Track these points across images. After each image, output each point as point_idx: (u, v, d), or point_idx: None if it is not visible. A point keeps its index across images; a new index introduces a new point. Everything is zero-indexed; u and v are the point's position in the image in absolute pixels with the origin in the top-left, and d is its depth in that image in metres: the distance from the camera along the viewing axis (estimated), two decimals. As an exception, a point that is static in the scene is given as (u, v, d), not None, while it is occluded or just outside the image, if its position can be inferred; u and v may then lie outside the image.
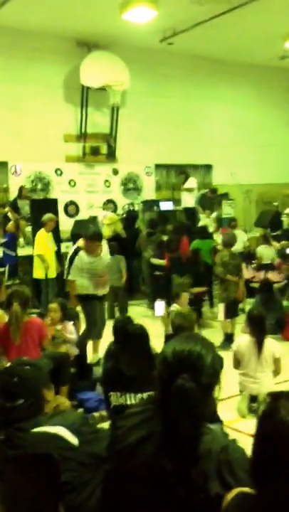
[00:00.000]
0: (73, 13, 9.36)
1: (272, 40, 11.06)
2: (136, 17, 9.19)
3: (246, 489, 1.28)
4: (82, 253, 5.52)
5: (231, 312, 6.53)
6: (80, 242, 5.62)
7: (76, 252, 5.57)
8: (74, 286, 5.62)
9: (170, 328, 4.36)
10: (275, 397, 1.22)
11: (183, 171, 11.83)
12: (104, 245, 5.77)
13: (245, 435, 3.94)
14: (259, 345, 4.48)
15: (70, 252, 5.73)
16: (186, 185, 11.34)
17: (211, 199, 10.60)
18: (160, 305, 4.65)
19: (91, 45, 10.77)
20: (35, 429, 1.86)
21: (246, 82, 12.98)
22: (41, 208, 9.53)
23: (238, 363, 4.61)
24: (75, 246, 5.70)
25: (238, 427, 4.16)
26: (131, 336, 3.59)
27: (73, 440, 1.84)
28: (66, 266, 5.65)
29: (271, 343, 4.59)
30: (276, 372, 4.58)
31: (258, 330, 4.54)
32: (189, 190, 11.19)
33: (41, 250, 7.86)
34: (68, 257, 5.67)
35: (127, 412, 1.59)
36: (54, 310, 4.94)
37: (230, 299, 6.67)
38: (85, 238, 5.60)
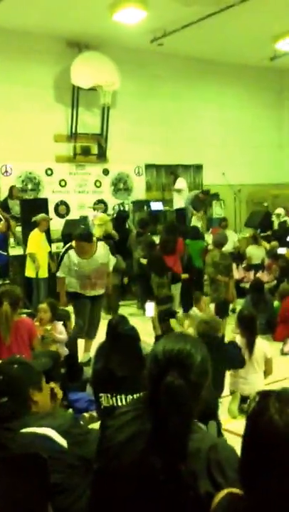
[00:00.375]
0: (64, 14, 9.36)
1: (262, 41, 11.13)
2: (126, 18, 9.25)
3: (235, 490, 1.28)
4: (71, 252, 5.50)
5: (221, 312, 6.56)
6: (74, 241, 5.62)
7: (67, 250, 5.57)
8: (62, 283, 5.63)
9: (159, 330, 4.38)
10: (265, 395, 1.21)
11: (172, 171, 11.87)
12: (100, 247, 5.64)
13: (236, 436, 3.97)
14: (250, 345, 4.48)
15: (63, 250, 5.77)
16: (176, 186, 11.38)
17: (203, 200, 10.63)
18: (150, 306, 4.67)
19: (82, 45, 10.78)
20: (24, 430, 1.85)
21: (237, 83, 13.05)
22: (32, 208, 9.51)
23: None
24: (68, 244, 5.70)
25: (229, 428, 4.11)
26: (122, 337, 3.62)
27: (62, 442, 1.84)
28: (57, 262, 5.66)
29: (262, 344, 4.60)
30: (267, 372, 4.59)
31: (249, 330, 4.54)
32: (178, 190, 11.23)
33: (33, 249, 7.87)
34: (60, 254, 5.71)
35: (116, 411, 1.59)
36: (44, 310, 4.94)
37: (221, 300, 6.71)
38: (74, 238, 5.60)
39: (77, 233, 5.66)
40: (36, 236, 7.98)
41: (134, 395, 3.31)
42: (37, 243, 7.96)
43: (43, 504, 1.72)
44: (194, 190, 11.25)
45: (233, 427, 4.12)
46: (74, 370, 4.84)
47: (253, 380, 4.46)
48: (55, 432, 1.83)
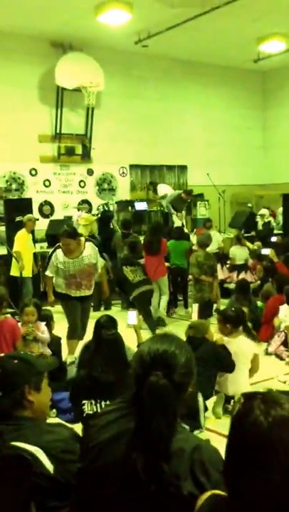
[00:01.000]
0: (49, 15, 9.32)
1: (246, 43, 11.23)
2: (111, 20, 9.24)
3: (219, 491, 1.28)
4: (59, 251, 5.49)
5: (205, 312, 6.62)
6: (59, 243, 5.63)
7: (54, 250, 5.57)
8: (50, 282, 5.68)
9: (142, 338, 4.41)
10: (250, 397, 1.20)
11: (150, 182, 11.92)
12: (88, 247, 5.59)
13: (221, 436, 3.95)
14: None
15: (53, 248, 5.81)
16: (159, 193, 11.38)
17: (186, 200, 10.66)
18: (132, 314, 4.71)
19: (66, 46, 10.74)
20: (15, 443, 1.79)
21: (221, 84, 13.13)
22: (16, 208, 9.49)
23: None
24: (56, 244, 5.68)
25: (214, 428, 4.16)
26: (104, 342, 3.64)
27: (48, 466, 1.76)
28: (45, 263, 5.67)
29: (246, 341, 4.64)
30: (254, 370, 4.60)
31: (237, 327, 4.60)
32: (163, 197, 11.25)
33: (19, 248, 7.89)
34: (49, 254, 5.75)
35: (100, 410, 1.61)
36: (31, 313, 4.91)
37: (205, 300, 6.80)
38: (59, 236, 5.60)
39: (63, 230, 5.64)
40: (23, 236, 8.02)
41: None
42: (23, 243, 8.00)
43: (27, 504, 1.71)
44: (177, 190, 11.28)
45: (217, 427, 4.15)
46: (58, 370, 4.82)
47: (238, 379, 4.47)
48: (44, 455, 1.77)
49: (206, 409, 4.27)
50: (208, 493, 1.29)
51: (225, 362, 4.34)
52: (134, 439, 1.41)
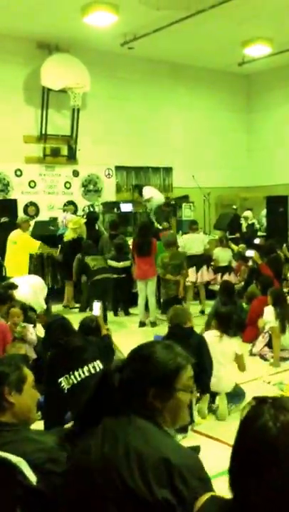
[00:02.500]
0: (35, 15, 9.32)
1: (231, 47, 11.33)
2: (97, 21, 9.27)
3: (216, 494, 1.29)
4: None
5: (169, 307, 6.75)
6: None
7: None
8: None
9: (105, 329, 4.65)
10: (260, 401, 1.20)
11: (136, 185, 11.96)
12: None
13: (206, 437, 4.02)
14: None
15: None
16: (144, 197, 11.43)
17: (166, 212, 10.72)
18: (96, 305, 4.90)
19: (52, 47, 10.74)
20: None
21: (206, 87, 13.23)
22: (1, 208, 9.46)
23: None
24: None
25: (199, 430, 4.17)
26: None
27: (31, 478, 1.71)
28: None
29: (230, 341, 4.74)
30: (241, 368, 4.72)
31: (225, 326, 4.71)
32: (148, 200, 11.29)
33: (36, 244, 8.25)
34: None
35: (89, 431, 1.55)
36: (17, 315, 4.93)
37: (170, 296, 7.17)
38: None
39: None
40: (27, 236, 8.26)
41: (90, 365, 3.52)
42: (31, 241, 8.28)
43: (13, 509, 1.70)
44: (158, 202, 11.26)
45: (202, 429, 4.17)
46: (42, 373, 4.85)
47: (222, 376, 4.52)
48: (28, 466, 1.71)
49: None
50: (207, 495, 1.30)
51: (208, 362, 4.38)
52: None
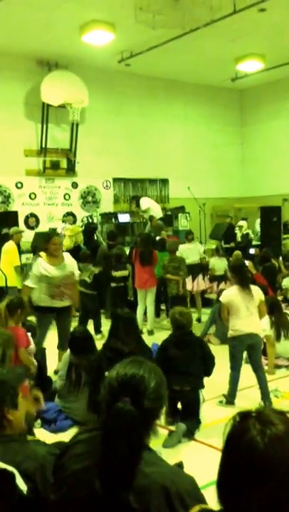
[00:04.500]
0: (35, 34, 9.66)
1: (224, 63, 11.71)
2: (95, 39, 9.60)
3: (206, 506, 1.28)
4: (40, 260, 5.50)
5: (174, 305, 6.98)
6: (42, 252, 5.65)
7: (35, 259, 5.60)
8: (28, 292, 5.54)
9: None
10: (245, 416, 1.17)
11: (133, 196, 12.21)
12: (66, 255, 5.73)
13: (201, 444, 4.14)
14: (245, 290, 4.91)
15: (33, 261, 5.81)
16: (142, 207, 11.67)
17: (155, 228, 10.95)
18: None
19: (51, 64, 11.10)
20: None
21: (200, 101, 13.60)
22: (2, 220, 9.70)
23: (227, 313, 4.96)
24: (36, 254, 5.73)
25: (202, 440, 4.22)
26: (121, 319, 4.29)
27: (22, 486, 1.70)
28: (29, 274, 5.64)
29: (254, 288, 5.05)
30: (262, 314, 5.13)
31: (243, 278, 5.02)
32: (145, 211, 11.54)
33: (17, 262, 8.19)
34: (29, 265, 5.78)
35: (75, 438, 1.55)
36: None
37: (173, 294, 7.77)
38: (45, 241, 5.68)
39: (50, 232, 5.76)
40: (14, 249, 8.27)
41: None
42: (14, 255, 8.26)
43: None
44: (156, 215, 11.47)
45: (198, 436, 4.28)
46: (42, 381, 4.87)
47: (253, 321, 4.93)
48: (19, 475, 1.70)
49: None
50: (196, 508, 1.29)
51: (210, 362, 4.59)
52: (98, 468, 1.36)
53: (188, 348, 4.45)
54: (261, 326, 5.14)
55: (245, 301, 4.86)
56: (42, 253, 5.65)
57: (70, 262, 5.68)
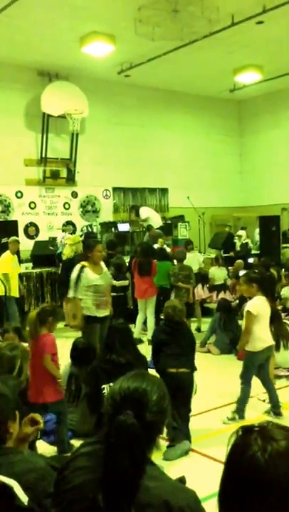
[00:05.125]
0: (36, 45, 9.77)
1: (223, 74, 11.82)
2: (95, 51, 9.69)
3: None
4: (86, 270, 5.47)
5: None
6: (83, 262, 5.61)
7: (81, 270, 5.49)
8: (78, 304, 5.49)
9: None
10: (247, 430, 1.17)
11: (132, 206, 12.28)
12: (103, 264, 5.76)
13: (202, 456, 4.14)
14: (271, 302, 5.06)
15: (75, 271, 5.63)
16: (141, 217, 11.73)
17: (153, 237, 11.02)
18: None
19: (52, 75, 11.21)
20: None
21: (199, 112, 13.71)
22: (2, 229, 9.74)
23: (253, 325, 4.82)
24: (80, 264, 5.63)
25: (195, 448, 4.26)
26: (115, 330, 4.27)
27: (23, 498, 1.70)
28: (71, 284, 5.55)
29: (266, 303, 5.01)
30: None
31: (270, 289, 5.20)
32: (145, 220, 11.60)
33: (4, 270, 8.17)
34: (73, 276, 5.59)
35: (77, 451, 1.55)
36: (11, 339, 4.78)
37: (182, 302, 7.50)
38: (89, 249, 5.68)
39: (92, 240, 5.79)
40: (8, 258, 8.28)
41: None
42: (8, 265, 8.26)
43: None
44: (156, 225, 11.53)
45: (198, 447, 4.26)
46: None
47: (265, 335, 4.93)
48: (18, 486, 1.70)
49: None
50: None
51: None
52: (101, 483, 1.36)
53: (178, 334, 4.58)
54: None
55: (267, 314, 4.91)
56: (84, 262, 5.62)
57: (107, 270, 5.78)
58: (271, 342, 4.94)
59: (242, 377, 4.80)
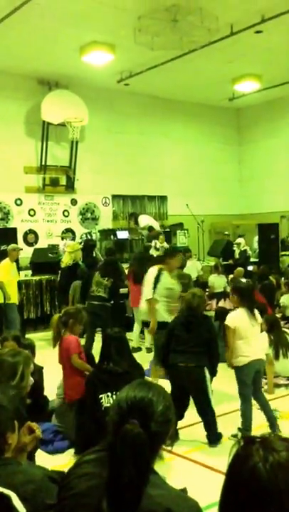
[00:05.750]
0: (36, 54, 9.83)
1: (222, 83, 11.91)
2: (95, 60, 9.75)
3: None
4: (166, 273, 5.45)
5: None
6: (160, 266, 5.56)
7: (160, 273, 5.45)
8: (154, 306, 5.41)
9: None
10: (249, 441, 1.17)
11: (131, 213, 12.32)
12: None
13: (202, 466, 4.12)
14: (252, 314, 4.60)
15: (153, 273, 5.57)
16: (140, 225, 11.74)
17: (153, 236, 11.05)
18: None
19: (52, 83, 11.27)
20: None
21: (199, 120, 13.78)
22: (1, 236, 9.75)
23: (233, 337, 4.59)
24: (158, 267, 5.56)
25: (194, 458, 4.25)
26: (112, 339, 4.22)
27: (22, 510, 1.68)
28: (149, 285, 5.48)
29: (256, 312, 4.72)
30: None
31: (251, 301, 4.71)
32: (144, 228, 11.63)
33: (2, 278, 8.16)
34: (151, 277, 5.53)
35: (81, 458, 1.55)
36: (11, 347, 4.91)
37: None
38: (169, 256, 5.69)
39: (171, 249, 5.76)
40: (6, 266, 8.27)
41: None
42: (7, 272, 8.24)
43: None
44: (146, 230, 11.55)
45: (198, 457, 4.24)
46: (40, 401, 4.79)
47: (257, 345, 4.72)
48: (16, 497, 1.69)
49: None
50: None
51: (214, 353, 4.61)
52: (106, 490, 1.37)
53: (194, 329, 4.52)
54: (263, 348, 5.00)
55: (251, 326, 4.57)
56: (162, 266, 5.61)
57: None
58: (257, 356, 4.59)
59: (240, 394, 4.63)
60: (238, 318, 4.56)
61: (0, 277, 8.16)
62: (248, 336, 4.52)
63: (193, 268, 9.17)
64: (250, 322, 4.56)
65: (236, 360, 4.54)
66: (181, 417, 4.36)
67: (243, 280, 8.38)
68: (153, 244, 10.60)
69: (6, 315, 8.15)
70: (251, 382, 4.57)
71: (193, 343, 4.44)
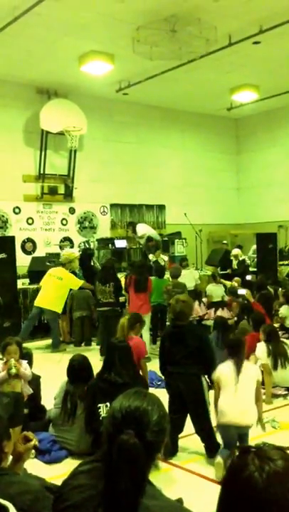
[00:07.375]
0: (35, 64, 9.89)
1: (220, 93, 11.98)
2: (94, 70, 9.79)
3: None
4: None
5: None
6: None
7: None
8: None
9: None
10: (244, 451, 1.18)
11: (129, 222, 12.32)
12: None
13: (198, 476, 4.06)
14: (239, 368, 4.12)
15: None
16: (138, 234, 11.73)
17: (153, 246, 11.04)
18: None
19: (51, 93, 11.33)
20: None
21: (197, 130, 13.85)
22: (-1, 245, 9.71)
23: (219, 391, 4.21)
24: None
25: (191, 468, 4.19)
26: (116, 348, 4.28)
27: None
28: None
29: (250, 364, 4.39)
30: (258, 399, 4.16)
31: (239, 353, 4.24)
32: (142, 237, 11.62)
33: (79, 282, 8.67)
34: None
35: (76, 469, 1.54)
36: (14, 352, 4.80)
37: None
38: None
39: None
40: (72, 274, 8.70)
41: None
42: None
43: None
44: (145, 239, 11.56)
45: (195, 468, 4.16)
46: (37, 410, 4.78)
47: (250, 407, 4.09)
48: (13, 508, 1.69)
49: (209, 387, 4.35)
50: None
51: (208, 359, 4.40)
52: (102, 500, 1.37)
53: (180, 341, 4.30)
54: (255, 414, 4.11)
55: (235, 381, 4.03)
56: None
57: None
58: (236, 420, 3.96)
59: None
60: (220, 369, 4.18)
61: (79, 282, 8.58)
62: (230, 391, 4.02)
63: (189, 277, 9.14)
64: (235, 377, 4.04)
65: (218, 416, 4.09)
66: (180, 430, 4.29)
67: (243, 291, 8.38)
68: (150, 257, 10.61)
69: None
70: (235, 441, 4.00)
71: (181, 355, 4.28)
